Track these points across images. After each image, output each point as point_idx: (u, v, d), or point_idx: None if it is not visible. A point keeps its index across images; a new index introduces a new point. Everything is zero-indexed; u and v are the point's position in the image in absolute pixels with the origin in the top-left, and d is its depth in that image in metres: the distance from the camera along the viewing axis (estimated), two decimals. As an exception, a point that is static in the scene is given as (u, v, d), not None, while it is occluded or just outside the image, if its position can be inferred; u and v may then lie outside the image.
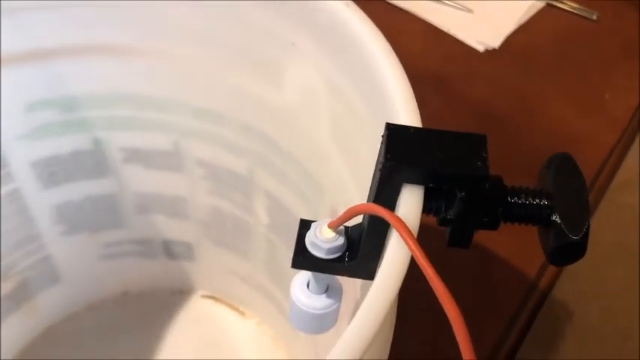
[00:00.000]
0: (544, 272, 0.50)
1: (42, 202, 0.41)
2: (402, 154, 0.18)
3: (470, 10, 0.64)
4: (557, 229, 0.18)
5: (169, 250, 0.46)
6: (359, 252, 0.21)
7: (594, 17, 0.64)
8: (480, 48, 0.61)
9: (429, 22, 0.63)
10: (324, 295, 0.24)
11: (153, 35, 0.33)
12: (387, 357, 0.26)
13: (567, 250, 0.18)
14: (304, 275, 0.24)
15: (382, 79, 0.22)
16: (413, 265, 0.18)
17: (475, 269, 0.48)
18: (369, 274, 0.20)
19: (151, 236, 0.45)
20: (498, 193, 0.19)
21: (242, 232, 0.41)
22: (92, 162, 0.39)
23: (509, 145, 0.55)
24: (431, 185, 0.18)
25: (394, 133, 0.19)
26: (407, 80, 0.22)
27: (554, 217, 0.18)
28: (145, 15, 0.32)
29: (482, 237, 0.49)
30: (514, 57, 0.61)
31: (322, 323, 0.24)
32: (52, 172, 0.39)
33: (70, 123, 0.37)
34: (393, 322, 0.25)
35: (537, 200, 0.19)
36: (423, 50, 0.61)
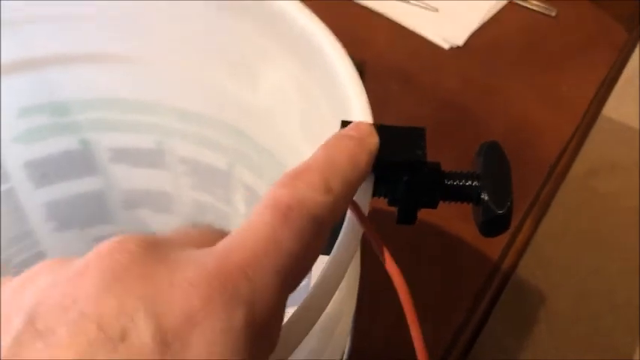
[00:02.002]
0: (507, 255, 0.53)
1: (34, 201, 0.43)
2: (354, 146, 0.22)
3: (435, 9, 0.67)
4: (485, 206, 0.21)
5: (156, 243, 0.48)
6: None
7: (553, 14, 0.68)
8: (445, 45, 0.64)
9: (395, 20, 0.66)
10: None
11: (138, 44, 0.36)
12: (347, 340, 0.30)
13: (495, 222, 0.21)
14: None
15: (340, 82, 0.26)
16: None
17: (442, 254, 0.52)
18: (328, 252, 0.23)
19: (138, 230, 0.48)
20: (436, 177, 0.22)
21: (223, 223, 0.45)
22: (81, 162, 0.42)
23: (474, 137, 0.59)
24: (380, 171, 0.22)
25: (348, 128, 0.22)
26: (361, 84, 0.25)
27: (483, 196, 0.21)
28: (132, 25, 0.35)
29: (449, 224, 0.53)
30: (478, 53, 0.65)
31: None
32: (44, 172, 0.42)
33: (61, 126, 0.40)
34: (354, 296, 0.28)
35: (469, 182, 0.22)
36: (389, 48, 0.64)
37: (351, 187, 0.19)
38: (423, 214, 0.23)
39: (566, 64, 0.65)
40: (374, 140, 0.21)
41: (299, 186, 0.18)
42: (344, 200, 0.19)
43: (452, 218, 0.52)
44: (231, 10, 0.32)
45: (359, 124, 0.22)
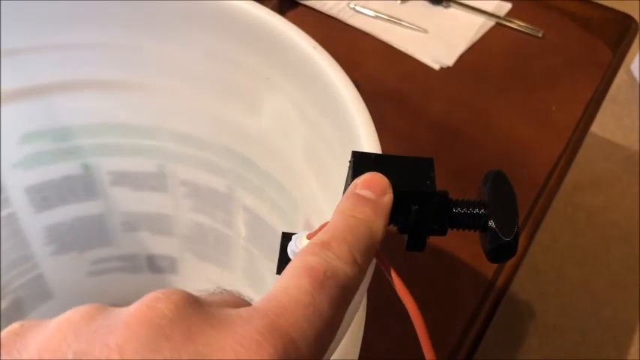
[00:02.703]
0: (500, 273, 0.54)
1: (35, 225, 0.44)
2: (365, 177, 0.22)
3: (425, 31, 0.68)
4: (492, 233, 0.22)
5: (154, 264, 0.49)
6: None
7: (540, 34, 0.70)
8: (436, 66, 0.66)
9: (388, 42, 0.67)
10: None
11: (140, 71, 0.37)
12: (357, 357, 0.30)
13: (501, 249, 0.22)
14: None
15: (347, 112, 0.26)
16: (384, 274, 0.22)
17: (440, 273, 0.52)
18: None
19: (137, 252, 0.48)
20: (444, 206, 0.23)
21: (223, 244, 0.45)
22: (82, 186, 0.43)
23: (464, 155, 0.60)
24: (391, 201, 0.22)
25: (359, 159, 0.23)
26: (368, 113, 0.26)
27: (490, 223, 0.22)
28: (133, 53, 0.35)
29: (447, 244, 0.53)
30: (467, 73, 0.66)
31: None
32: (45, 196, 0.43)
33: (62, 151, 0.40)
34: (362, 324, 0.29)
35: (476, 210, 0.23)
36: (382, 69, 0.66)
37: (371, 256, 0.20)
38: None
39: (553, 83, 0.67)
40: (388, 199, 0.22)
41: (330, 256, 0.19)
42: (366, 269, 0.20)
43: (447, 236, 0.52)
44: (232, 39, 0.33)
45: (373, 179, 0.22)
